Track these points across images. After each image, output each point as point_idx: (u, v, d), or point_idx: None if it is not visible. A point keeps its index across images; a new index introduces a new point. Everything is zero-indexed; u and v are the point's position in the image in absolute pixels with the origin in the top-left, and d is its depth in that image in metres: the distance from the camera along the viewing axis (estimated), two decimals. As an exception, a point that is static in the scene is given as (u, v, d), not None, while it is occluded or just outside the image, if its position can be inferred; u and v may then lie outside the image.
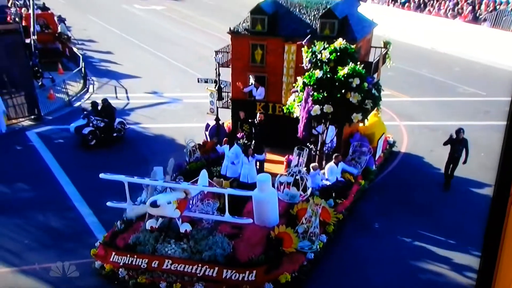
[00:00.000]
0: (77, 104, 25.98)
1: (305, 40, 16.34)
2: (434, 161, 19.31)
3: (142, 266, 12.30)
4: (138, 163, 18.25)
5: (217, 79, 16.89)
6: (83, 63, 28.67)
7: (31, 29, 27.88)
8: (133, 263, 12.41)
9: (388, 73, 19.84)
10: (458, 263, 13.67)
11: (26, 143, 21.40)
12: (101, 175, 12.89)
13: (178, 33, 40.15)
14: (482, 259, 4.41)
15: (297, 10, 18.15)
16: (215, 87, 17.13)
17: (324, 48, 15.64)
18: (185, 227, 12.36)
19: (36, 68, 27.02)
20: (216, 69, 16.69)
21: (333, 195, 15.27)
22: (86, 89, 27.87)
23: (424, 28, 37.33)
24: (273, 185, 13.69)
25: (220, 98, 16.96)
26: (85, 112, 20.82)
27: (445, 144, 17.31)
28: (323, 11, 17.43)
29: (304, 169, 15.43)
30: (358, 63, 15.90)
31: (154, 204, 11.64)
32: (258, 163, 15.95)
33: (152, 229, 12.52)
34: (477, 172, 17.99)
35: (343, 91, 15.03)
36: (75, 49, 32.05)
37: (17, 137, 21.95)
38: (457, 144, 17.13)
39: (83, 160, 19.66)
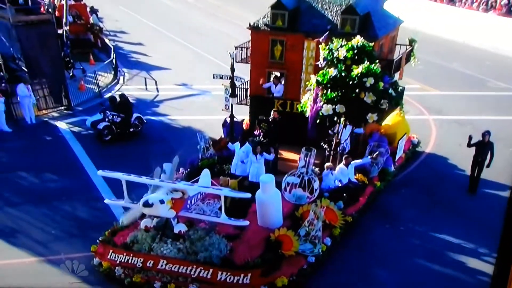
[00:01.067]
0: (107, 95, 26.31)
1: (322, 37, 15.98)
2: (458, 163, 18.79)
3: (137, 265, 12.23)
4: (166, 154, 17.74)
5: (232, 75, 16.64)
6: (114, 54, 29.02)
7: (64, 19, 28.27)
8: (129, 261, 12.35)
9: (418, 67, 19.56)
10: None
11: (56, 134, 21.77)
12: (99, 172, 12.94)
13: (209, 25, 40.17)
14: (497, 260, 4.40)
15: (320, 6, 17.78)
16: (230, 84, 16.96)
17: (341, 46, 15.30)
18: (179, 228, 12.21)
19: (68, 59, 27.56)
20: (231, 65, 16.47)
21: (344, 196, 14.96)
22: (116, 80, 28.26)
23: (456, 22, 36.93)
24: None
25: (233, 95, 16.72)
26: (103, 107, 20.91)
27: (469, 146, 16.71)
28: (346, 7, 17.04)
29: (316, 169, 15.23)
30: (377, 61, 15.50)
31: (146, 204, 11.49)
32: (270, 163, 15.77)
33: (146, 228, 12.45)
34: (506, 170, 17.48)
35: (357, 90, 14.66)
36: (106, 40, 32.46)
37: (47, 127, 22.33)
38: (483, 147, 16.53)
39: (111, 151, 19.83)
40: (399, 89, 15.95)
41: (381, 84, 14.72)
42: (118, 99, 21.18)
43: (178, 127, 22.32)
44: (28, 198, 16.38)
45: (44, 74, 23.89)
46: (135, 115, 20.84)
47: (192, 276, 11.80)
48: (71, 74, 27.17)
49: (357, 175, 16.20)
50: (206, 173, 13.83)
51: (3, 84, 22.82)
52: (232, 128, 17.14)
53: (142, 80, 27.95)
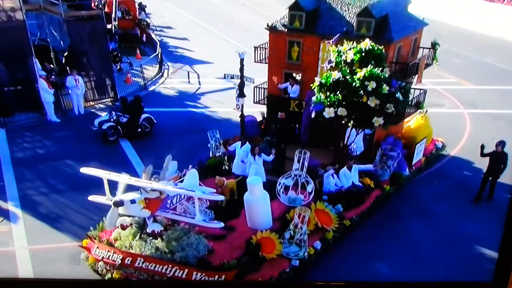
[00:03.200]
0: (152, 88, 27.33)
1: (333, 39, 16.00)
2: (480, 171, 18.12)
3: (117, 262, 12.32)
4: (203, 144, 18.40)
5: (241, 75, 16.80)
6: (159, 49, 29.94)
7: (113, 15, 29.43)
8: (110, 258, 12.45)
9: (455, 61, 19.35)
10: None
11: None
12: (81, 169, 13.07)
13: (253, 21, 40.16)
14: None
15: (339, 7, 17.72)
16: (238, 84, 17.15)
17: (350, 49, 15.28)
18: (153, 227, 12.23)
19: (115, 53, 28.64)
20: (240, 65, 16.69)
21: (343, 200, 14.99)
22: (161, 73, 29.18)
23: (494, 17, 36.76)
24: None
25: (241, 94, 16.92)
26: (114, 106, 21.52)
27: (482, 155, 16.26)
28: (362, 9, 16.92)
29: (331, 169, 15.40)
30: (386, 65, 15.39)
31: (116, 203, 11.55)
32: (274, 162, 15.99)
33: (122, 227, 12.59)
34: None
35: (361, 93, 14.61)
36: (153, 35, 33.47)
37: (93, 118, 22.88)
38: (496, 157, 16.06)
39: (156, 142, 20.48)
40: (410, 92, 15.76)
41: (386, 88, 14.59)
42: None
43: (217, 119, 22.86)
44: (72, 186, 17.09)
45: (92, 67, 25.03)
46: (143, 115, 20.95)
47: (168, 275, 11.84)
48: (118, 67, 28.27)
49: (363, 178, 16.14)
50: (192, 173, 13.72)
51: (53, 77, 24.24)
52: (243, 127, 17.38)
53: (185, 73, 28.73)
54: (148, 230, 12.36)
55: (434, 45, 18.28)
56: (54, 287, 4.52)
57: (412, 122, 19.69)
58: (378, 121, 15.05)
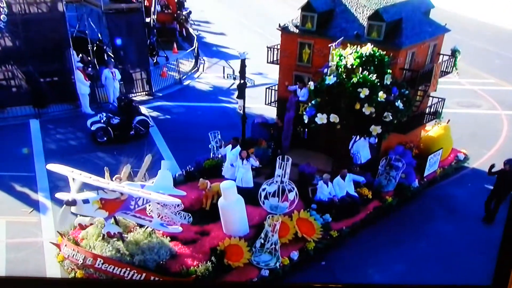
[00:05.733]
0: (187, 82, 27.54)
1: (335, 43, 15.45)
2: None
3: (79, 261, 12.18)
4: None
5: (240, 76, 16.47)
6: (196, 43, 30.07)
7: (152, 9, 29.70)
8: (74, 256, 12.33)
9: (495, 62, 18.52)
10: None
11: None
12: (47, 166, 12.67)
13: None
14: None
15: (354, 9, 17.09)
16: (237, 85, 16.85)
17: (351, 53, 14.72)
18: (108, 229, 11.99)
19: (152, 47, 28.98)
20: (241, 66, 16.39)
21: (333, 210, 14.49)
22: (196, 68, 29.33)
23: None
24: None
25: (241, 96, 16.59)
26: (109, 107, 21.13)
27: (490, 174, 15.30)
28: (372, 12, 16.25)
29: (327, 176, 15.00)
30: (389, 71, 14.70)
31: (68, 202, 11.34)
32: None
33: (81, 226, 12.54)
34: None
35: (361, 100, 14.03)
36: (190, 30, 33.63)
37: None
38: (504, 176, 15.06)
39: (188, 134, 20.47)
40: (411, 103, 15.02)
41: (382, 95, 13.96)
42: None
43: (250, 115, 22.70)
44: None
45: (129, 60, 25.37)
46: (138, 118, 20.45)
47: (126, 278, 11.61)
48: (154, 61, 28.46)
49: (362, 188, 15.55)
50: (164, 175, 13.18)
51: (89, 69, 24.83)
52: (243, 130, 17.11)
53: (221, 68, 28.62)
54: (103, 231, 12.15)
55: (454, 52, 17.38)
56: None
57: (433, 131, 18.81)
58: (375, 129, 14.45)
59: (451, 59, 17.54)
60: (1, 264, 13.03)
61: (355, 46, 14.91)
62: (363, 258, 13.87)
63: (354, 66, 14.44)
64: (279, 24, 17.66)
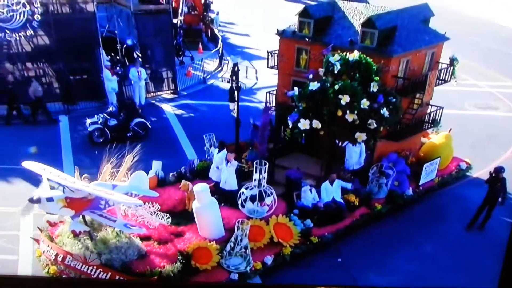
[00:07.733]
0: (211, 82, 28.20)
1: (325, 49, 15.61)
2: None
3: (51, 257, 12.30)
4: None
5: (231, 80, 16.56)
6: (221, 44, 30.65)
7: (180, 10, 30.47)
8: (47, 253, 12.45)
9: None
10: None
11: (160, 115, 23.81)
12: (23, 163, 12.34)
13: None
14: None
15: (351, 16, 17.16)
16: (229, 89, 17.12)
17: (338, 60, 14.85)
18: (73, 227, 12.09)
19: (179, 47, 29.73)
20: (235, 70, 16.60)
21: (315, 216, 14.63)
22: (220, 68, 29.94)
23: None
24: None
25: (231, 99, 16.81)
26: (109, 109, 21.31)
27: (486, 182, 15.20)
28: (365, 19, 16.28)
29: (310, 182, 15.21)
30: (377, 78, 14.75)
31: (31, 200, 11.31)
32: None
33: (49, 223, 12.76)
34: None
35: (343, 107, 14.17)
36: (216, 31, 34.19)
37: (154, 109, 24.39)
38: (495, 183, 14.87)
39: (209, 132, 20.22)
40: (398, 111, 15.00)
41: (366, 103, 14.06)
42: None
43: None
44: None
45: (156, 60, 26.22)
46: (136, 120, 20.62)
47: (92, 276, 11.67)
48: (180, 61, 29.28)
49: (348, 195, 15.64)
50: (137, 176, 13.12)
51: (118, 68, 25.78)
52: (237, 133, 17.43)
53: (244, 68, 29.13)
54: (69, 229, 12.29)
55: (452, 61, 17.16)
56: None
57: (435, 138, 18.63)
58: (360, 136, 14.53)
59: (449, 68, 17.32)
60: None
61: (344, 53, 15.02)
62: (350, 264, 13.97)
63: (341, 73, 14.60)
64: (277, 30, 17.84)
